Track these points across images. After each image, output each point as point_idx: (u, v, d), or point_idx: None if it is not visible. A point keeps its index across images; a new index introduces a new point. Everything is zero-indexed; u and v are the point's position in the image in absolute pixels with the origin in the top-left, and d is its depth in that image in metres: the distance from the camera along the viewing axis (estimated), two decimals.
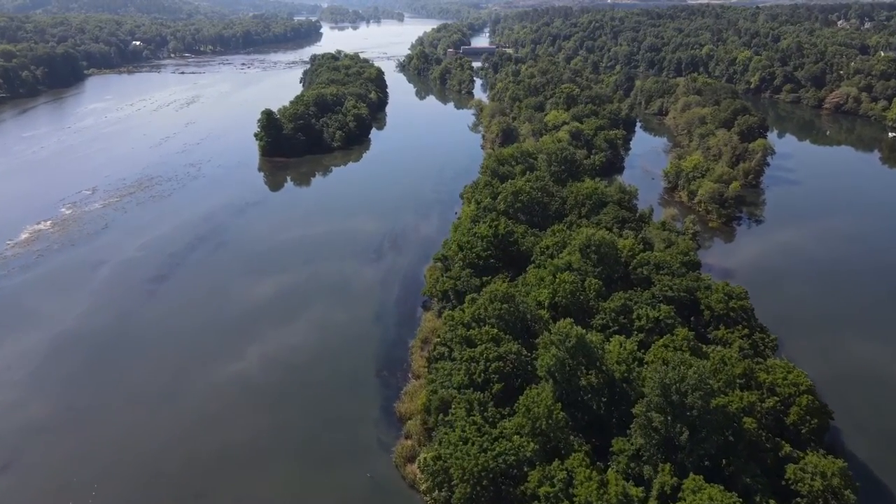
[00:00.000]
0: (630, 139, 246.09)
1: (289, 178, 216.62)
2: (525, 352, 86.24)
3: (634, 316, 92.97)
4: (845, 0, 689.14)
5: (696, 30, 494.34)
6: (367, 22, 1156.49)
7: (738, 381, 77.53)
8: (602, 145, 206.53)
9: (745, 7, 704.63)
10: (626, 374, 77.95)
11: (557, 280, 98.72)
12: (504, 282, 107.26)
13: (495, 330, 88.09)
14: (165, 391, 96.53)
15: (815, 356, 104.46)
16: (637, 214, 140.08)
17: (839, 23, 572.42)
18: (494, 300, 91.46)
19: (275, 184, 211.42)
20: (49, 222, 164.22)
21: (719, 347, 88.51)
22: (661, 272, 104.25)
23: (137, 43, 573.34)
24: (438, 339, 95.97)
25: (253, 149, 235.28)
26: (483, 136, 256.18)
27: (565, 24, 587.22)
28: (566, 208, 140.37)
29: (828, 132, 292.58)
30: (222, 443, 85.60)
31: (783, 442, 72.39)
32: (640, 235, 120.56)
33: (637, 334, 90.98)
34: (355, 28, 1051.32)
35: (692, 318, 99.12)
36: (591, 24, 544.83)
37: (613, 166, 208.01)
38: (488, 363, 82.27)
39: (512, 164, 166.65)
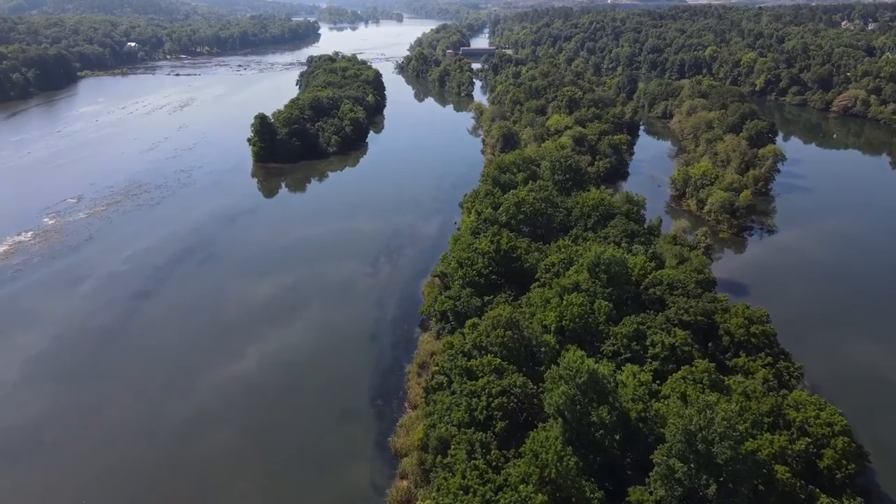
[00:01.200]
0: (634, 144, 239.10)
1: (283, 185, 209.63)
2: (531, 384, 79.34)
3: (648, 342, 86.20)
4: (848, 0, 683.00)
5: (699, 31, 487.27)
6: (366, 22, 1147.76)
7: (765, 419, 70.70)
8: (606, 151, 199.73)
9: (748, 7, 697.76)
10: (642, 413, 71.04)
11: (565, 302, 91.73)
12: (507, 302, 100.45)
13: (498, 360, 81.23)
14: (141, 425, 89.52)
15: (839, 379, 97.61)
16: (646, 226, 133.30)
17: (843, 23, 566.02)
18: (497, 326, 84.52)
19: (268, 191, 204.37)
20: (30, 233, 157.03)
21: (740, 377, 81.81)
22: (674, 293, 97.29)
23: (133, 44, 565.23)
24: (437, 368, 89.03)
25: (246, 154, 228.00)
26: (483, 141, 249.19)
27: (566, 25, 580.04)
28: (571, 220, 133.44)
29: (835, 135, 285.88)
30: (199, 485, 78.67)
31: (817, 490, 65.54)
32: (651, 251, 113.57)
33: (651, 362, 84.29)
34: (354, 29, 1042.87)
35: (709, 344, 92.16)
36: (592, 25, 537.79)
37: (618, 172, 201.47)
38: (491, 398, 75.33)
39: (514, 172, 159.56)
